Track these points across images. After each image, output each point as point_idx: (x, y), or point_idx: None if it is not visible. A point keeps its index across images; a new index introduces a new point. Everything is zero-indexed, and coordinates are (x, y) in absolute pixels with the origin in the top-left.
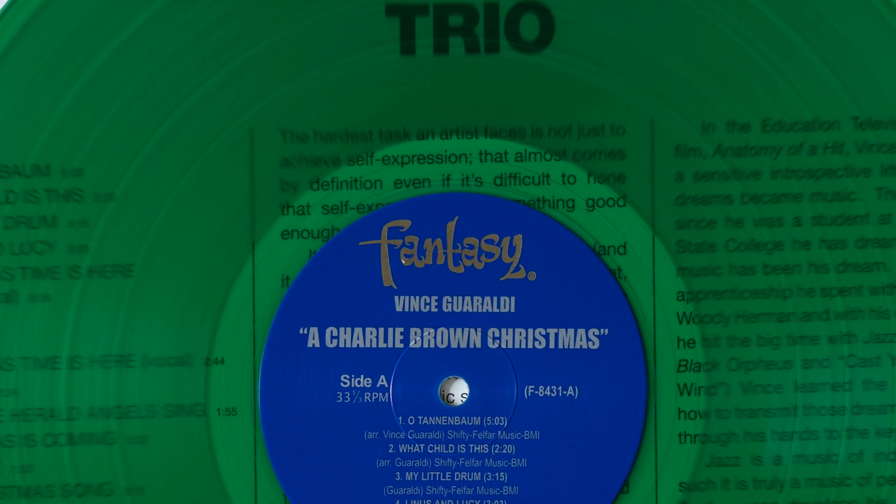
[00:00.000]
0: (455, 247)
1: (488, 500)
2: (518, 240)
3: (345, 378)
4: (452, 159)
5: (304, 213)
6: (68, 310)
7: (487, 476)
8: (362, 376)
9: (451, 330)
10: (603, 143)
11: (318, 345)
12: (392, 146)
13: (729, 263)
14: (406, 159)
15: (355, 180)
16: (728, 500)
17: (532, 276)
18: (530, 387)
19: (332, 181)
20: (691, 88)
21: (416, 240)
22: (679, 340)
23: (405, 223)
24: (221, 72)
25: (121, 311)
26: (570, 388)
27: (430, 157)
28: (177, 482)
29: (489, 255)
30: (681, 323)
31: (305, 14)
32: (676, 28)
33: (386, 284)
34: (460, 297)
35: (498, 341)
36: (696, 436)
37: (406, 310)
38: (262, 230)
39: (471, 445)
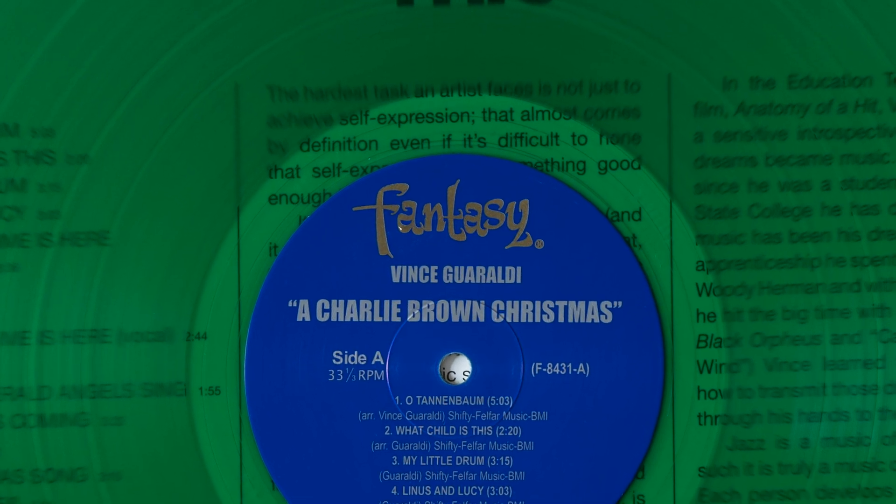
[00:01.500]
0: (456, 213)
1: (492, 487)
2: (524, 205)
3: (337, 355)
4: (454, 118)
5: (293, 177)
6: (38, 280)
7: (491, 460)
8: (356, 353)
9: (452, 302)
10: (616, 100)
11: (308, 318)
12: (388, 104)
13: (752, 231)
14: (404, 118)
15: (349, 141)
16: (751, 486)
17: (539, 244)
18: (538, 364)
19: (324, 142)
20: (711, 42)
21: (414, 205)
22: (698, 314)
23: (402, 187)
24: (204, 23)
25: (95, 282)
26: (581, 365)
27: (430, 115)
28: (156, 467)
29: (493, 221)
30: (700, 295)
31: None
32: None
33: (382, 253)
34: (462, 268)
35: (503, 315)
36: (716, 417)
37: (403, 281)
38: (248, 195)
39: (473, 427)
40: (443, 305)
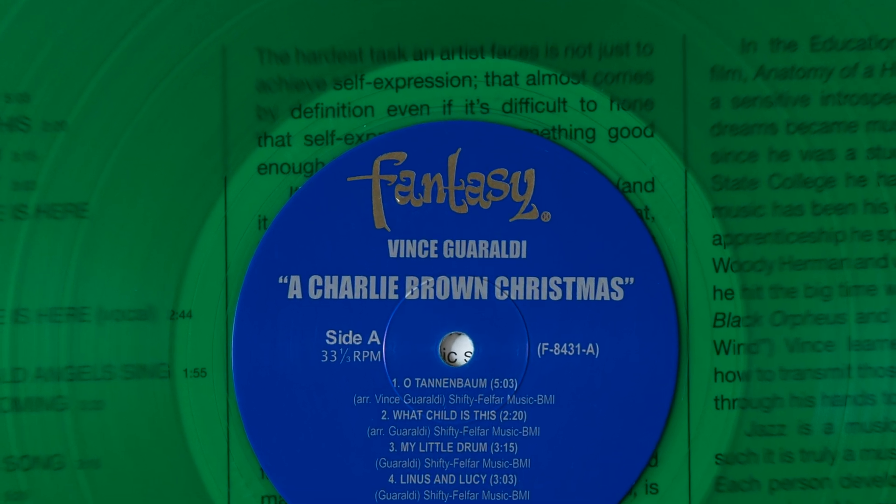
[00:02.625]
0: (457, 183)
1: (496, 475)
2: (530, 175)
3: (331, 334)
4: (455, 83)
5: (283, 145)
6: (13, 256)
7: (495, 447)
8: (351, 332)
9: (453, 279)
10: (628, 63)
11: (300, 296)
12: (385, 67)
13: (773, 202)
14: (401, 83)
15: (343, 107)
16: (771, 474)
17: (546, 216)
18: (544, 344)
19: (317, 108)
20: (729, 1)
21: (412, 175)
22: (715, 291)
23: (400, 156)
24: None
25: (73, 257)
26: (590, 345)
27: (429, 80)
28: (137, 454)
29: (497, 192)
30: (717, 271)
31: None
32: None
33: (378, 226)
34: (463, 241)
35: (507, 292)
36: (734, 400)
37: (401, 255)
38: (236, 164)
39: (476, 412)
40: (443, 282)
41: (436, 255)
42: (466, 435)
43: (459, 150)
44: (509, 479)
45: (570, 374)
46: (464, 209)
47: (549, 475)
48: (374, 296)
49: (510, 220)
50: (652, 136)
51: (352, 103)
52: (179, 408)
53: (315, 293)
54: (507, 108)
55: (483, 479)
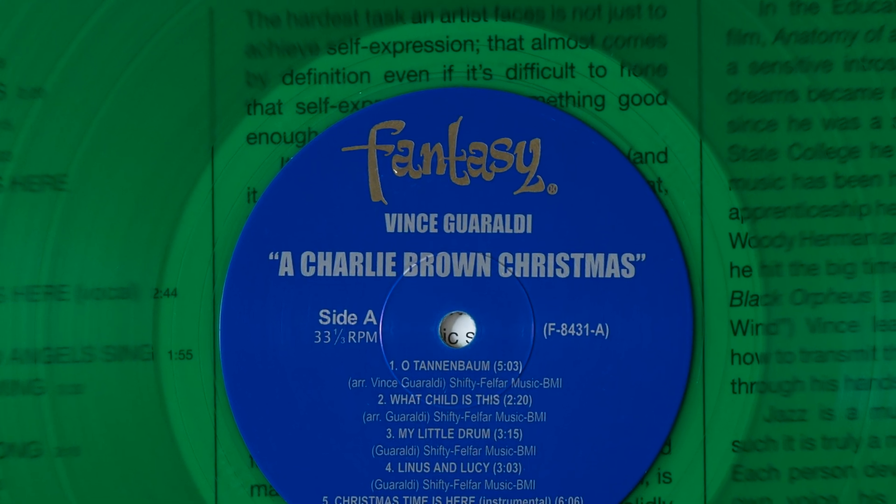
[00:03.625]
0: (459, 154)
1: (499, 463)
2: (535, 145)
3: (324, 314)
4: (456, 47)
5: (274, 113)
6: None
7: (499, 434)
8: (346, 312)
9: (454, 255)
10: (639, 27)
11: (291, 273)
12: (382, 31)
13: (793, 174)
14: (399, 47)
15: (337, 73)
16: (792, 462)
17: (552, 189)
18: (550, 324)
19: (309, 74)
20: None
21: (411, 145)
22: (732, 268)
23: (398, 125)
24: None
25: (51, 232)
26: (599, 325)
27: (429, 44)
28: (119, 441)
29: (500, 163)
30: (734, 247)
31: None
32: None
33: (374, 200)
34: (465, 216)
35: (511, 269)
36: (752, 384)
37: (399, 230)
38: (224, 133)
39: (478, 396)
40: (443, 258)
41: (435, 230)
42: (468, 421)
43: (461, 118)
44: (514, 468)
45: (578, 356)
46: (465, 181)
47: (555, 463)
48: (370, 273)
49: (514, 193)
50: (665, 103)
51: (346, 69)
52: (164, 392)
53: (307, 270)
54: (512, 73)
55: (486, 467)
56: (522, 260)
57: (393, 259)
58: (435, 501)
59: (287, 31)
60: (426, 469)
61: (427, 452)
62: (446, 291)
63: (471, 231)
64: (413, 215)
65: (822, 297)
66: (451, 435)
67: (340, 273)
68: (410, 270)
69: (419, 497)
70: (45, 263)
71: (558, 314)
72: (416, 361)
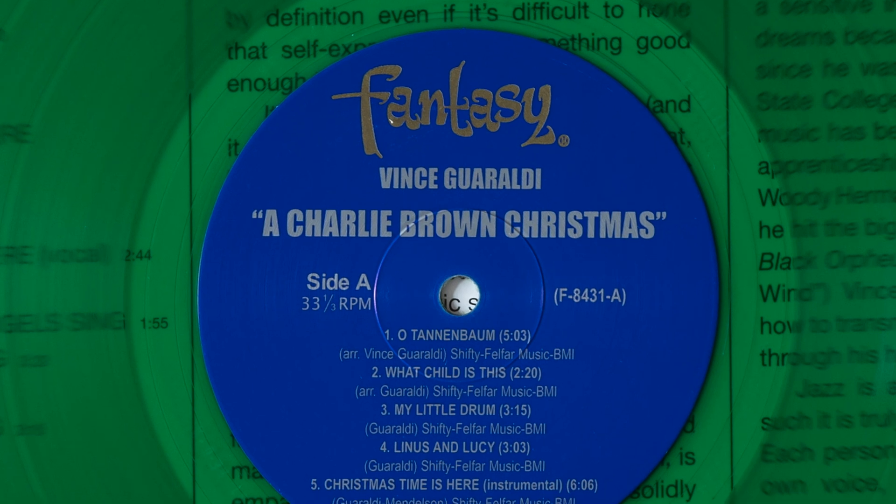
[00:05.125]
0: (461, 102)
1: (505, 442)
2: (545, 92)
3: (313, 278)
4: None
5: (258, 57)
6: None
7: (505, 410)
8: (336, 276)
9: (456, 213)
10: None
11: (277, 233)
12: None
13: (828, 124)
14: None
15: (327, 12)
16: (827, 442)
17: (564, 140)
18: (562, 290)
19: (296, 14)
20: None
21: (408, 93)
22: (762, 227)
23: (394, 70)
24: None
25: (12, 189)
26: (616, 291)
27: None
28: (87, 418)
29: (507, 112)
30: (764, 204)
31: None
32: None
33: (368, 153)
34: (468, 170)
35: (518, 229)
36: (784, 356)
37: (395, 186)
38: (203, 79)
39: (482, 369)
40: (444, 217)
41: (435, 186)
42: (471, 396)
43: (463, 63)
44: (521, 448)
45: (592, 324)
46: (468, 132)
47: (566, 443)
48: (363, 233)
49: (522, 146)
50: (687, 46)
51: (337, 8)
52: (136, 364)
53: (294, 230)
54: (519, 14)
55: (490, 447)
56: (531, 219)
57: (388, 218)
58: (435, 484)
59: None
60: (425, 449)
61: (426, 431)
62: (447, 253)
63: (474, 187)
64: (410, 170)
65: (860, 260)
66: (452, 411)
67: (330, 233)
68: (408, 230)
69: (417, 479)
70: (6, 223)
71: (570, 278)
72: (414, 330)
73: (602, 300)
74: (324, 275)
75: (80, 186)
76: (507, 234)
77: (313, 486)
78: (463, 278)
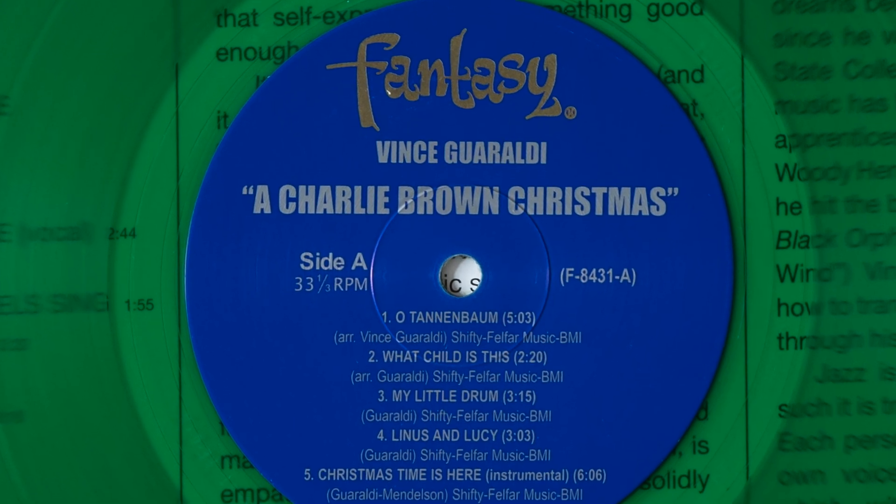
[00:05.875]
0: (462, 72)
1: (509, 430)
2: (551, 62)
3: (306, 258)
4: None
5: (248, 25)
6: None
7: (508, 396)
8: (331, 255)
9: (457, 189)
10: None
11: (268, 210)
12: None
13: (849, 95)
14: None
15: None
16: (848, 430)
17: (571, 112)
18: (568, 270)
19: None
20: None
21: (406, 62)
22: (779, 204)
23: (392, 39)
24: None
25: None
26: (625, 271)
27: None
28: (68, 405)
29: (510, 83)
30: (781, 179)
31: None
32: None
33: (365, 125)
34: (469, 144)
35: (523, 205)
36: (802, 339)
37: (393, 161)
38: (190, 48)
39: (485, 353)
40: (444, 193)
41: (435, 161)
42: (473, 381)
43: (465, 30)
44: (526, 436)
45: (600, 306)
46: (469, 104)
47: (573, 431)
48: (359, 210)
49: (526, 118)
50: (701, 13)
51: None
52: (120, 348)
53: (287, 207)
54: None
55: (493, 435)
56: (536, 195)
57: (386, 194)
58: (435, 474)
59: None
60: (424, 437)
61: (425, 418)
62: (448, 232)
63: (476, 162)
64: (409, 143)
65: (882, 238)
66: (453, 398)
67: (325, 210)
68: (406, 207)
69: (416, 469)
70: None
71: (577, 258)
72: (413, 313)
73: (611, 281)
74: (318, 254)
75: (61, 161)
76: (510, 211)
77: (307, 476)
78: (464, 258)
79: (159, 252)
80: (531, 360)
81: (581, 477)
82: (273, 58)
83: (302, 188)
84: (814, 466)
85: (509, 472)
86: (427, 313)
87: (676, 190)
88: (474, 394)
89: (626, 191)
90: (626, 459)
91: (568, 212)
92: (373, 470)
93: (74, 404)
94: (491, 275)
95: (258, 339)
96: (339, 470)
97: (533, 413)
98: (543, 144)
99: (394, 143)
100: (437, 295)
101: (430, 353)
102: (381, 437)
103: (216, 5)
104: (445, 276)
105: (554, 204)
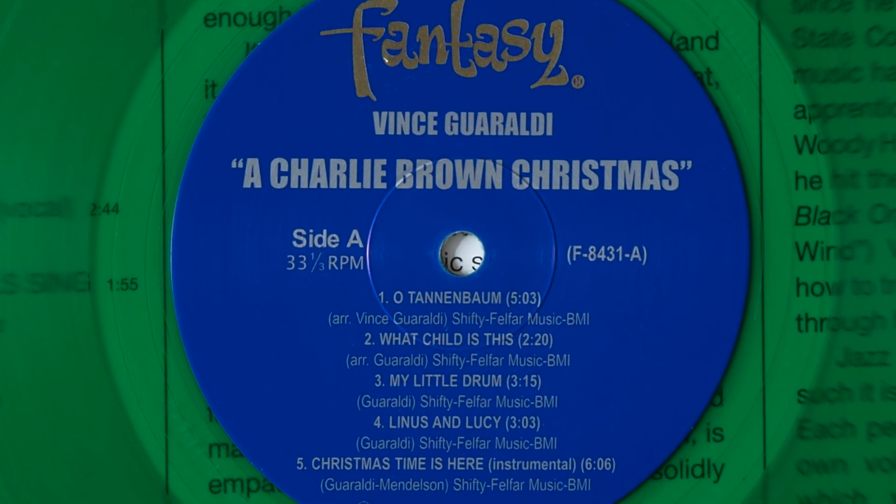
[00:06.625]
0: (463, 39)
1: (513, 417)
2: (557, 28)
3: (299, 234)
4: None
5: None
6: None
7: (512, 381)
8: (325, 232)
9: (458, 163)
10: None
11: (259, 185)
12: None
13: (872, 63)
14: None
15: None
16: (870, 416)
17: (578, 81)
18: (576, 247)
19: None
20: None
21: (404, 28)
22: (798, 178)
23: (389, 3)
24: None
25: None
26: (635, 249)
27: None
28: (48, 389)
29: (514, 50)
30: (800, 152)
31: None
32: None
33: (361, 95)
34: (471, 114)
35: (527, 179)
36: (822, 321)
37: (391, 132)
38: (176, 13)
39: (487, 335)
40: (444, 167)
41: (435, 133)
42: (475, 365)
43: None
44: (531, 423)
45: (610, 285)
46: (471, 72)
47: (581, 417)
48: (354, 185)
49: (531, 87)
50: None
51: None
52: (102, 330)
53: (278, 181)
54: None
55: (496, 422)
56: (541, 169)
57: (383, 168)
58: (435, 463)
59: None
60: (423, 424)
61: (425, 404)
62: (448, 207)
63: (478, 133)
64: (407, 114)
65: None
66: (454, 382)
67: (318, 185)
68: (404, 181)
69: (415, 458)
70: None
71: (585, 235)
72: (412, 293)
73: (620, 259)
74: (311, 231)
75: (40, 133)
76: (514, 185)
77: (299, 465)
78: (466, 235)
79: (144, 229)
80: (536, 343)
81: (589, 466)
82: (264, 24)
83: (294, 161)
84: (835, 455)
85: (513, 461)
86: (426, 293)
87: (689, 163)
88: (476, 378)
89: (636, 164)
90: (637, 448)
91: (575, 186)
92: (369, 459)
93: (54, 390)
94: (494, 253)
95: (248, 321)
96: (333, 459)
97: (538, 399)
98: (549, 115)
99: (391, 113)
100: (437, 274)
101: (429, 335)
102: (378, 425)
103: None
104: (446, 254)
105: (560, 178)
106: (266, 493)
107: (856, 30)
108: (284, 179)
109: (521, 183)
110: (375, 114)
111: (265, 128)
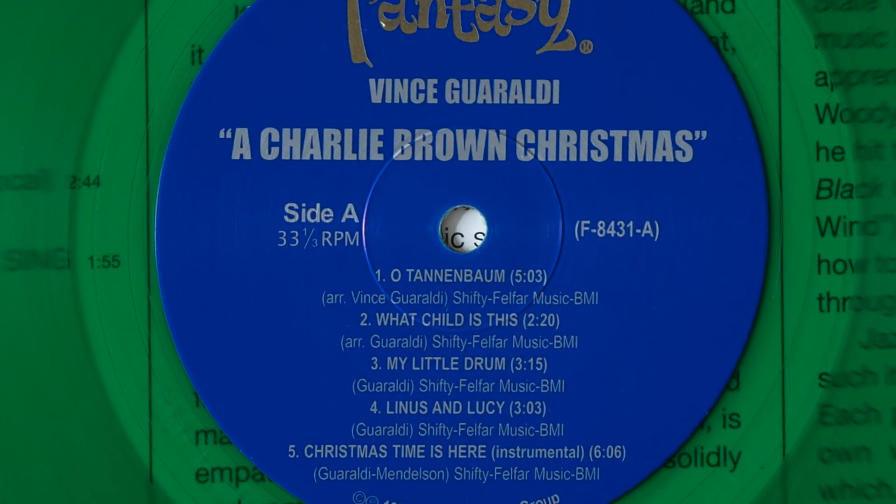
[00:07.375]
0: (465, 1)
1: (517, 402)
2: None
3: (291, 209)
4: None
5: None
6: None
7: (517, 364)
8: (318, 206)
9: (459, 133)
10: None
11: (248, 156)
12: None
13: None
14: None
15: None
16: (895, 401)
17: (586, 47)
18: (584, 223)
19: None
20: None
21: None
22: (819, 149)
23: None
24: None
25: None
26: (647, 224)
27: None
28: (25, 373)
29: (519, 14)
30: (822, 122)
31: None
32: None
33: (356, 61)
34: (473, 81)
35: (533, 150)
36: (845, 300)
37: (388, 101)
38: None
39: (490, 316)
40: (445, 137)
41: (435, 101)
42: (477, 347)
43: None
44: (536, 408)
45: (620, 263)
46: (473, 37)
47: (589, 402)
48: (349, 156)
49: (537, 53)
50: None
51: None
52: (83, 310)
53: (269, 152)
54: None
55: (500, 407)
56: (547, 139)
57: (380, 138)
58: (434, 451)
59: None
60: (423, 409)
61: (423, 388)
62: (449, 180)
63: (480, 102)
64: (406, 81)
65: None
66: (455, 366)
67: (311, 156)
68: (402, 152)
69: (414, 446)
70: None
71: (593, 209)
72: (410, 270)
73: (631, 235)
74: (304, 205)
75: (17, 101)
76: (519, 157)
77: (291, 453)
78: (467, 209)
79: (126, 203)
80: (542, 324)
81: (598, 454)
82: None
83: (286, 131)
84: (858, 442)
85: (517, 449)
86: (426, 271)
87: (704, 133)
88: (479, 361)
89: (647, 134)
90: (648, 435)
91: (583, 158)
92: (365, 446)
93: (32, 373)
94: (497, 228)
95: (237, 301)
96: (327, 446)
97: (544, 383)
98: (556, 82)
99: (388, 80)
100: (437, 250)
101: (429, 315)
102: (375, 410)
103: None
104: (446, 229)
105: (568, 149)
106: (256, 482)
107: None
108: (275, 150)
109: (525, 154)
110: (372, 81)
111: (255, 96)
